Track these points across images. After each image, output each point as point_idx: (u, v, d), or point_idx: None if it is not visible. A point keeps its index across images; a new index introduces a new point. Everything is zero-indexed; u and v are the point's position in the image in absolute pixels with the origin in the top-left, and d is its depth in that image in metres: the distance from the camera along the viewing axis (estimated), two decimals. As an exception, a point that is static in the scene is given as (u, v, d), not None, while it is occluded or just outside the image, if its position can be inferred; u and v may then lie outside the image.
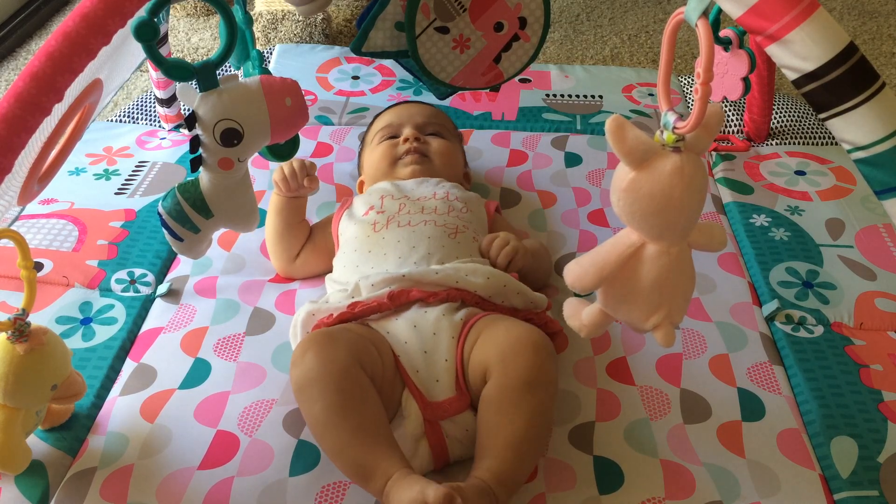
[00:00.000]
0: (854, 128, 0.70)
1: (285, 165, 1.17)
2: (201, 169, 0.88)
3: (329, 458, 0.91)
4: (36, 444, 0.95)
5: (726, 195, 1.43)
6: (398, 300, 1.00)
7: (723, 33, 0.95)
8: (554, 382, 0.94)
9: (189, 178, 0.91)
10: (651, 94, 1.71)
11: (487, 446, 0.88)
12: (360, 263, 1.10)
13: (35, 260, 1.19)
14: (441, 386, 0.95)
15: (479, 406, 0.92)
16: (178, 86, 0.85)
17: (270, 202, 1.21)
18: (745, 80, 0.97)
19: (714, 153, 1.54)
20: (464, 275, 1.03)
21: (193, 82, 0.83)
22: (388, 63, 1.75)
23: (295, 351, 0.94)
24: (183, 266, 1.24)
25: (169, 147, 1.53)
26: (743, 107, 1.63)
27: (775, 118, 1.62)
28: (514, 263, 1.10)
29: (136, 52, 0.95)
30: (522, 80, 1.73)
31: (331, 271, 1.16)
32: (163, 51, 1.28)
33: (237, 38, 0.85)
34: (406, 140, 1.28)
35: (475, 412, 0.94)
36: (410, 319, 0.99)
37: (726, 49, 0.95)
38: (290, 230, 1.20)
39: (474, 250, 1.12)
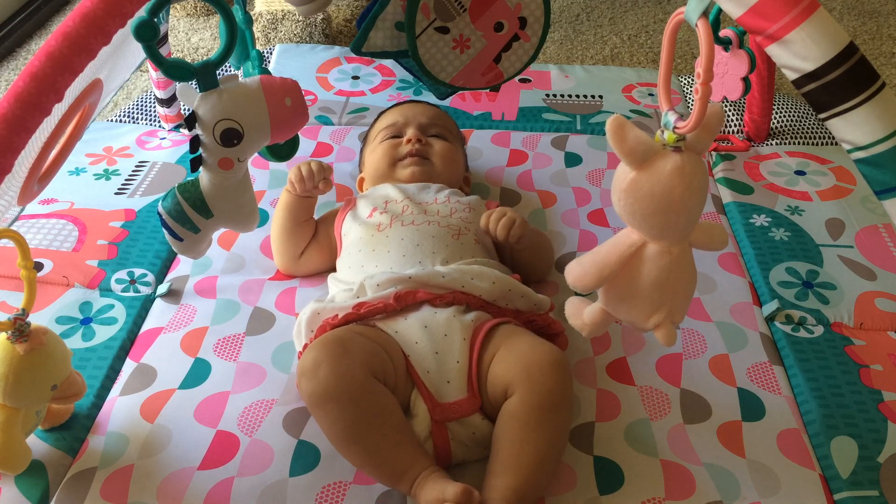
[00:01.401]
0: (854, 128, 0.70)
1: (303, 165, 1.18)
2: (201, 169, 0.88)
3: (355, 467, 0.93)
4: (36, 444, 0.95)
5: (726, 195, 1.43)
6: (404, 301, 1.00)
7: (723, 33, 0.95)
8: (573, 402, 0.95)
9: (189, 178, 0.91)
10: (651, 94, 1.71)
11: (509, 463, 0.88)
12: (364, 263, 1.10)
13: (35, 260, 1.20)
14: (452, 387, 0.95)
15: (499, 419, 0.92)
16: (178, 86, 0.85)
17: (280, 199, 1.21)
18: (745, 80, 0.97)
19: (714, 153, 1.54)
20: (469, 278, 1.03)
21: (193, 82, 0.83)
22: (388, 63, 1.75)
23: (305, 359, 0.92)
24: (183, 266, 1.24)
25: (169, 147, 1.53)
26: (743, 107, 1.63)
27: (775, 118, 1.62)
28: (513, 232, 1.11)
29: (136, 52, 0.95)
30: (522, 80, 1.73)
31: (332, 269, 1.16)
32: (163, 51, 1.28)
33: (237, 38, 0.85)
34: (408, 141, 1.28)
35: (484, 416, 0.94)
36: (421, 320, 0.99)
37: (726, 49, 0.95)
38: (297, 228, 1.20)
39: (477, 251, 1.12)
